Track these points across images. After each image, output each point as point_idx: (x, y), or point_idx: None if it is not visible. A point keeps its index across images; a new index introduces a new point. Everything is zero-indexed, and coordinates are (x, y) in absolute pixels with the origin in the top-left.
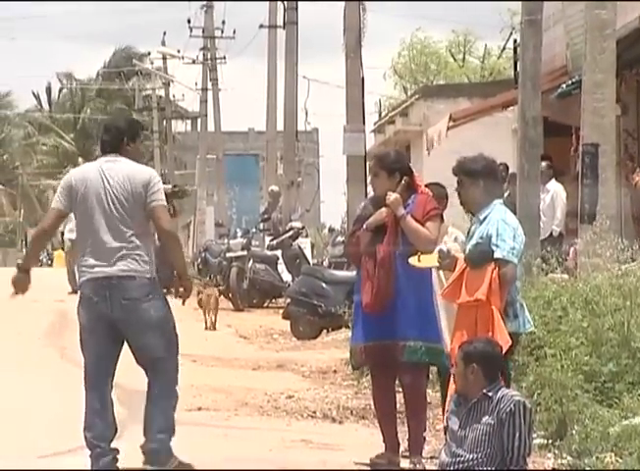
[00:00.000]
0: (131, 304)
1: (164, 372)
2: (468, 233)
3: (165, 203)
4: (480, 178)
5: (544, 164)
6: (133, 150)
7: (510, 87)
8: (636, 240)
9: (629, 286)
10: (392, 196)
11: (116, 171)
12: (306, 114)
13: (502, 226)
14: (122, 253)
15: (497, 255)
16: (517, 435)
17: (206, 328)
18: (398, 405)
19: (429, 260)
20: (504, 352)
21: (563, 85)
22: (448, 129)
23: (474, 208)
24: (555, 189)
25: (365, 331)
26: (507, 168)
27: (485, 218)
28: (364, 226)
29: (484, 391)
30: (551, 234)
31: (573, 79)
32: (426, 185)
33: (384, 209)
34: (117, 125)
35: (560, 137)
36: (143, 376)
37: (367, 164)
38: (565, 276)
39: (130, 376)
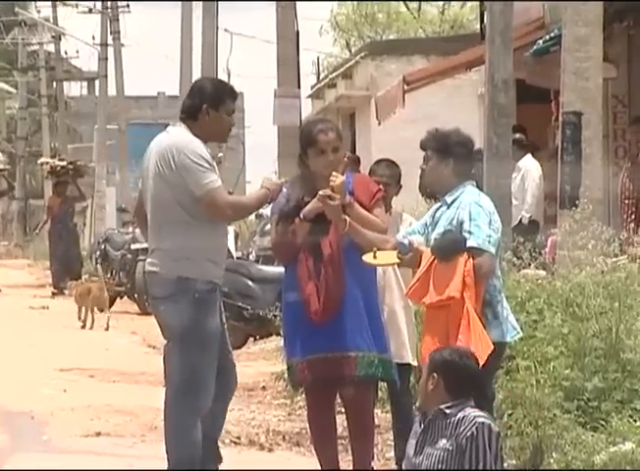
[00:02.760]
0: (154, 303)
1: (172, 382)
2: (433, 218)
3: (216, 185)
4: (452, 155)
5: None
6: (214, 121)
7: (476, 43)
8: (625, 229)
9: (617, 284)
10: (337, 179)
11: (161, 145)
12: (229, 75)
13: (475, 209)
14: (154, 246)
15: (470, 244)
16: (481, 464)
17: (83, 327)
18: (339, 429)
19: (387, 257)
20: (483, 365)
21: (540, 41)
22: (404, 93)
23: (441, 189)
24: (526, 167)
25: (306, 341)
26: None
27: (454, 201)
28: (301, 215)
29: (441, 406)
30: (520, 221)
31: (552, 34)
32: (375, 163)
33: None
34: (201, 86)
35: (537, 104)
36: (27, 396)
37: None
38: (542, 272)
39: (12, 396)
